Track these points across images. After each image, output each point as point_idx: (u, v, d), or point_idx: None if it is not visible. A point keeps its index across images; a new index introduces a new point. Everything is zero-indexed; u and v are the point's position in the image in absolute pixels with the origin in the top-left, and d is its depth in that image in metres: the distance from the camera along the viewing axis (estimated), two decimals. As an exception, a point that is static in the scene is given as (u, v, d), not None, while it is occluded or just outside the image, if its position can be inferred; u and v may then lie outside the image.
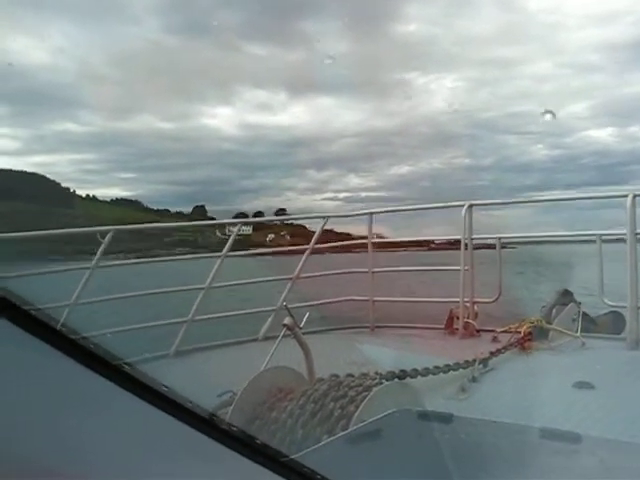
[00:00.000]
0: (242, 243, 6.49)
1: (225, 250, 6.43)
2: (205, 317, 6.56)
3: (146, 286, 6.97)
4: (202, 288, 6.29)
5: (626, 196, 5.62)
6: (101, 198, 72.04)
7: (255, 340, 6.37)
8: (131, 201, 73.18)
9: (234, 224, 7.17)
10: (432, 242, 9.76)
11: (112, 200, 71.48)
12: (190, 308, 6.25)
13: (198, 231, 40.77)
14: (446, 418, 1.80)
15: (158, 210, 69.44)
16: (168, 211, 69.47)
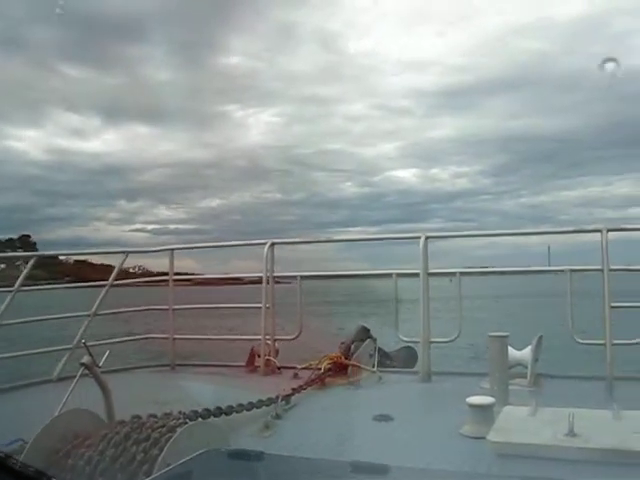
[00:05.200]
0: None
1: (17, 285, 5.97)
2: None
3: None
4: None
5: (419, 237, 6.03)
6: None
7: (49, 381, 5.95)
8: None
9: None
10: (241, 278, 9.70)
11: None
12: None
13: None
14: (258, 456, 1.78)
15: None
16: None
